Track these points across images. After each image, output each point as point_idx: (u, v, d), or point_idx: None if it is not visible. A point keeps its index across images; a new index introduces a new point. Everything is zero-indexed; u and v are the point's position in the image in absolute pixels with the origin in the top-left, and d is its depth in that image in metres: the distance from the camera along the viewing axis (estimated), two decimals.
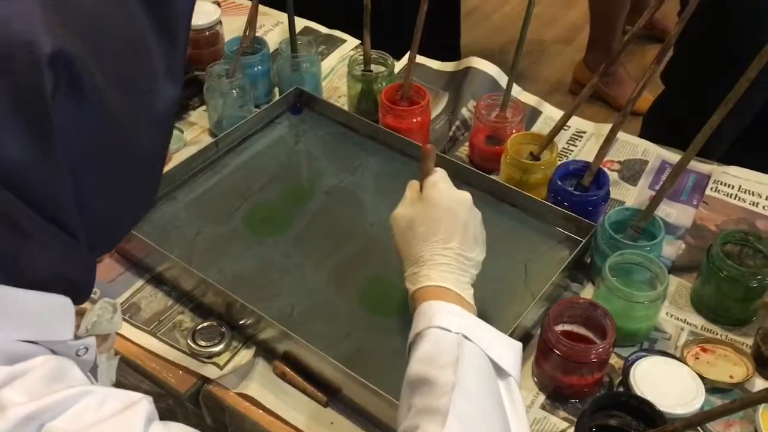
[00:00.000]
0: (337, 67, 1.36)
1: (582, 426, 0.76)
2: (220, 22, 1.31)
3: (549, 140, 1.05)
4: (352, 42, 1.41)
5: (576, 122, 1.22)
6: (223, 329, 0.92)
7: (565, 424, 0.84)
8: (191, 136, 1.21)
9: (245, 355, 0.91)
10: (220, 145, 1.15)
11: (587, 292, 0.97)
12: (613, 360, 0.89)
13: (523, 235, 1.02)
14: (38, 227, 0.49)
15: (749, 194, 1.09)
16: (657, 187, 1.05)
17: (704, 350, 0.89)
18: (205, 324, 0.93)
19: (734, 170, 1.12)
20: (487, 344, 0.68)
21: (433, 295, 0.73)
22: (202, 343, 0.91)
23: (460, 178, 0.97)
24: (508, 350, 0.70)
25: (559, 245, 1.01)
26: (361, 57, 1.20)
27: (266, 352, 0.91)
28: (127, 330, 0.93)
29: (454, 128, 1.22)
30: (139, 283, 1.00)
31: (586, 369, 0.83)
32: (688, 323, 0.94)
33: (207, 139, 1.19)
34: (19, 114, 0.46)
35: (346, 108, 1.23)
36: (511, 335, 0.77)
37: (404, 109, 1.14)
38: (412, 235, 0.78)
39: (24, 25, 0.45)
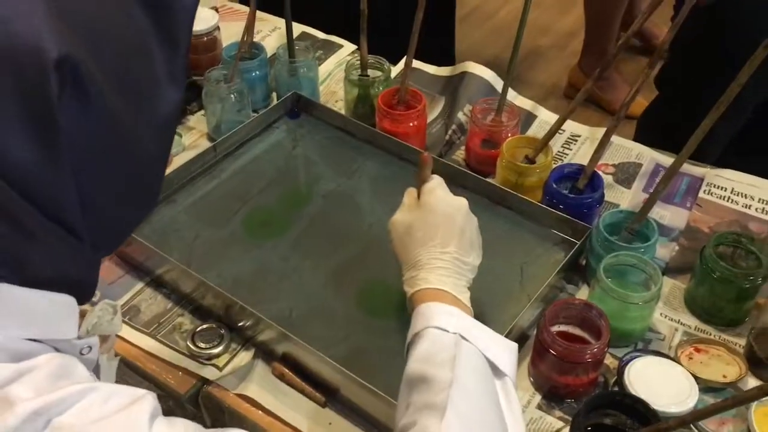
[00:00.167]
0: (335, 71, 1.38)
1: (577, 425, 0.78)
2: (218, 28, 1.32)
3: (544, 144, 1.07)
4: (349, 47, 1.43)
5: (571, 126, 1.23)
6: (223, 331, 0.93)
7: (561, 424, 0.85)
8: (190, 141, 1.22)
9: (244, 356, 0.92)
10: (218, 149, 1.16)
11: (582, 294, 0.98)
12: (608, 360, 0.90)
13: (519, 238, 1.03)
14: (43, 228, 0.50)
15: (742, 197, 1.10)
16: (651, 190, 1.06)
17: (698, 350, 0.90)
18: (205, 326, 0.94)
19: (727, 173, 1.13)
20: (484, 344, 0.69)
21: (431, 297, 0.74)
22: (202, 345, 0.92)
23: (456, 182, 0.98)
24: (504, 350, 0.71)
25: (554, 247, 1.02)
26: (358, 62, 1.21)
27: (265, 353, 0.92)
28: (127, 332, 0.94)
29: (450, 132, 1.23)
30: (139, 285, 1.00)
31: (582, 369, 0.84)
32: (681, 324, 0.95)
33: (205, 144, 1.20)
34: (25, 117, 0.47)
35: (343, 112, 1.24)
36: (507, 336, 0.78)
37: (401, 113, 1.15)
38: (410, 240, 0.80)
39: (31, 30, 0.46)
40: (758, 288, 0.91)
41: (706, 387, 0.86)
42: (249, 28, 1.23)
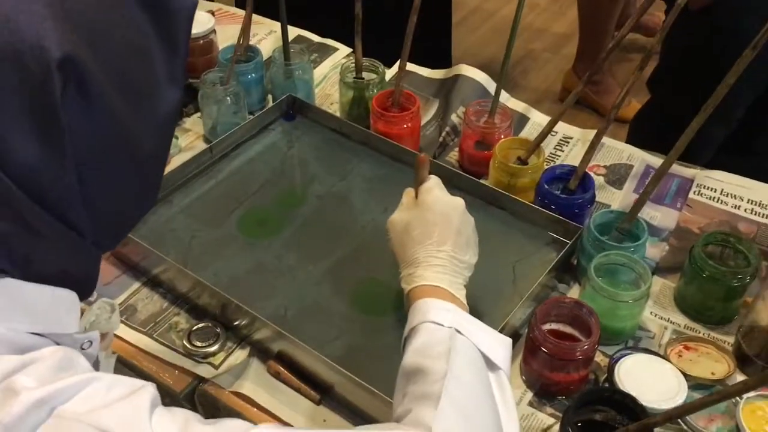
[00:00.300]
0: (330, 74, 1.39)
1: (567, 421, 0.79)
2: (214, 31, 1.33)
3: (536, 145, 1.08)
4: (344, 50, 1.44)
5: (563, 128, 1.25)
6: (218, 330, 0.94)
7: (552, 420, 0.86)
8: (186, 142, 1.23)
9: (240, 354, 0.93)
10: (214, 150, 1.17)
11: (574, 293, 0.99)
12: (599, 358, 0.91)
13: (512, 238, 1.05)
14: (46, 224, 0.52)
15: (731, 197, 1.11)
16: (642, 191, 1.08)
17: (687, 348, 0.92)
18: (201, 325, 0.95)
19: (717, 174, 1.15)
20: (478, 338, 0.71)
21: (427, 294, 0.76)
22: (198, 344, 0.93)
23: (450, 183, 0.99)
24: (498, 345, 0.73)
25: (546, 247, 1.03)
26: (353, 65, 1.23)
27: (260, 351, 0.93)
28: (123, 331, 0.95)
29: (444, 134, 1.24)
30: (136, 285, 1.01)
31: (572, 366, 0.86)
32: (671, 322, 0.96)
33: (201, 145, 1.21)
34: (29, 115, 0.48)
35: (338, 114, 1.26)
36: None
37: (395, 115, 1.17)
38: (408, 238, 0.81)
39: (35, 31, 0.47)
40: (746, 287, 0.92)
41: (695, 384, 0.87)
42: (245, 31, 1.24)
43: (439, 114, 1.29)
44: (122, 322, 0.96)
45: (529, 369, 0.89)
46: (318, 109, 1.25)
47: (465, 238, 0.82)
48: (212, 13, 1.42)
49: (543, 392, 0.89)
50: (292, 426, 0.86)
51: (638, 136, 1.52)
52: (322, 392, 0.88)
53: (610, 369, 0.87)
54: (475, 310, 0.77)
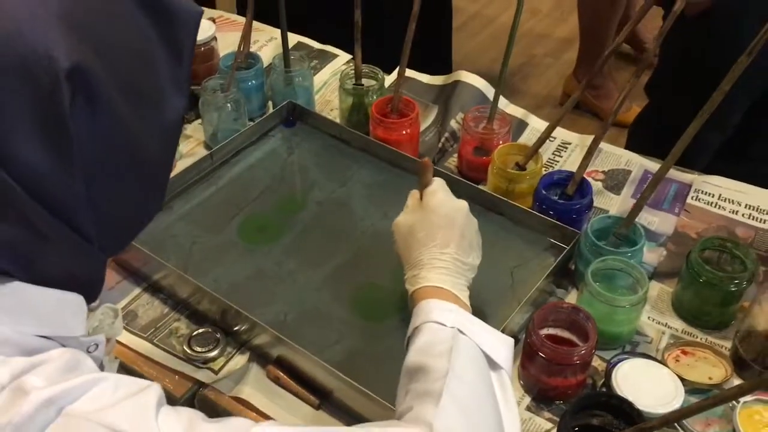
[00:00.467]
0: (329, 81, 1.40)
1: (564, 425, 0.79)
2: (215, 38, 1.34)
3: (534, 151, 1.09)
4: (344, 57, 1.45)
5: (561, 134, 1.25)
6: (218, 335, 0.95)
7: (550, 425, 0.86)
8: (187, 149, 1.24)
9: (239, 360, 0.93)
10: (215, 157, 1.18)
11: (572, 298, 0.99)
12: (596, 363, 0.91)
13: (510, 243, 1.05)
14: (54, 229, 0.53)
15: (729, 203, 1.12)
16: (639, 196, 1.08)
17: (684, 353, 0.92)
18: (201, 330, 0.95)
19: (715, 179, 1.15)
20: (481, 338, 0.72)
21: (430, 295, 0.77)
22: (198, 349, 0.93)
23: (449, 188, 1.00)
24: (500, 344, 0.74)
25: (544, 252, 1.04)
26: (353, 71, 1.23)
27: (260, 357, 0.93)
28: (124, 337, 0.96)
29: (443, 140, 1.25)
30: (136, 291, 1.02)
31: (570, 371, 0.86)
32: (669, 327, 0.96)
33: (202, 152, 1.22)
34: (39, 124, 0.49)
35: (337, 121, 1.26)
36: None
37: (394, 121, 1.18)
38: (413, 240, 0.82)
39: (45, 42, 0.48)
40: (743, 291, 0.93)
41: (692, 389, 0.87)
42: (245, 38, 1.25)
43: (438, 120, 1.30)
44: (123, 327, 0.96)
45: (526, 374, 0.90)
46: (318, 115, 1.26)
47: (468, 240, 0.83)
48: (213, 20, 1.43)
49: (541, 397, 0.89)
50: None
51: (637, 141, 1.52)
52: (321, 397, 0.89)
53: (608, 374, 0.88)
54: (474, 314, 0.78)
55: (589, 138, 1.22)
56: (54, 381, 0.51)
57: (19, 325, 0.54)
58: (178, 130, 0.63)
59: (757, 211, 1.11)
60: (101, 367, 0.66)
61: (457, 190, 1.06)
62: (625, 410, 0.79)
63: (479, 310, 0.92)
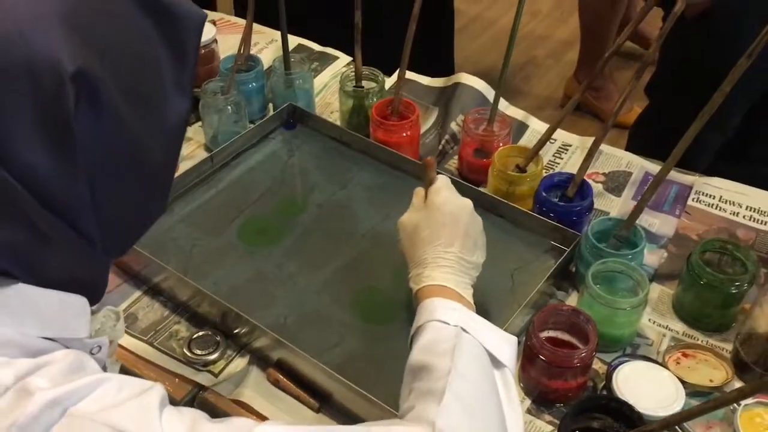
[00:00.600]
0: (330, 83, 1.40)
1: (565, 428, 0.79)
2: (215, 41, 1.34)
3: (534, 153, 1.09)
4: (344, 59, 1.45)
5: (562, 135, 1.25)
6: (218, 338, 0.95)
7: (550, 428, 0.86)
8: (187, 151, 1.24)
9: (239, 362, 0.93)
10: (215, 159, 1.18)
11: (572, 300, 0.99)
12: (597, 365, 0.91)
13: (510, 245, 1.05)
14: (57, 231, 0.53)
15: (730, 204, 1.12)
16: (640, 198, 1.08)
17: (685, 355, 0.92)
18: (201, 333, 0.95)
19: (715, 181, 1.15)
20: (484, 337, 0.72)
21: (434, 293, 0.77)
22: (198, 352, 0.93)
23: (453, 186, 1.00)
24: (504, 343, 0.74)
25: (544, 254, 1.04)
26: (353, 73, 1.23)
27: (260, 359, 0.93)
28: (124, 339, 0.96)
29: (443, 142, 1.25)
30: (137, 294, 1.02)
31: (570, 373, 0.86)
32: (669, 329, 0.96)
33: (202, 154, 1.22)
34: (43, 127, 0.49)
35: (338, 123, 1.26)
36: None
37: (394, 123, 1.17)
38: (417, 238, 0.83)
39: (49, 46, 0.49)
40: (744, 294, 0.93)
41: (693, 391, 0.87)
42: (246, 41, 1.25)
43: (438, 122, 1.30)
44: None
45: (527, 376, 0.89)
46: (318, 117, 1.26)
47: (473, 238, 0.83)
48: (214, 22, 1.43)
49: (541, 399, 0.89)
50: None
51: (638, 142, 1.52)
52: (321, 400, 0.89)
53: (608, 376, 0.88)
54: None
55: (590, 140, 1.22)
56: (58, 382, 0.52)
57: (23, 327, 0.54)
58: (182, 133, 0.63)
59: (757, 212, 1.10)
60: (104, 369, 0.66)
61: (458, 192, 1.07)
62: (626, 413, 0.79)
63: (480, 312, 0.92)
